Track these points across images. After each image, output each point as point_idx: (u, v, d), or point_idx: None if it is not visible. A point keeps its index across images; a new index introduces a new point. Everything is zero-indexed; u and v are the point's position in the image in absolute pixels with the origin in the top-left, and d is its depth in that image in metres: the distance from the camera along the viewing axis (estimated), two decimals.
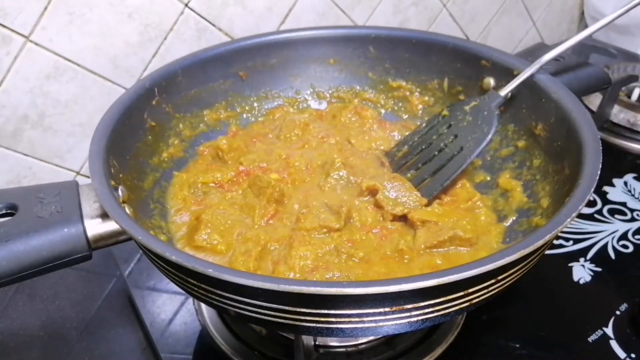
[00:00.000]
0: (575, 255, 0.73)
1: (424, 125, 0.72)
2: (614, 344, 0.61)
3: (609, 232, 0.76)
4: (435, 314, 0.44)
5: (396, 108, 0.79)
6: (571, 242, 0.75)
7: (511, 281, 0.46)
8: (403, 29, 0.82)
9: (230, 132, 0.76)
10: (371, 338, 0.62)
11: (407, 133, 0.74)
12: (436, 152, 0.67)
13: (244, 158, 0.70)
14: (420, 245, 0.57)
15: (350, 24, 0.96)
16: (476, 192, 0.65)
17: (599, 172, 0.49)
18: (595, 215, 0.79)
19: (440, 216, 0.60)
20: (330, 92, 0.81)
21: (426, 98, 0.77)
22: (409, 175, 0.66)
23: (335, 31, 0.79)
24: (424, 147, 0.69)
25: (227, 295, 0.44)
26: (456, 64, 0.73)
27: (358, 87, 0.81)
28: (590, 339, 0.62)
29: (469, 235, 0.58)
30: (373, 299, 0.41)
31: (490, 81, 0.70)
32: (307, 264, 0.54)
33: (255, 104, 0.79)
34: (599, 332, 0.63)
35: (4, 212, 0.50)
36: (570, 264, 0.72)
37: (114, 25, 0.75)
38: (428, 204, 0.62)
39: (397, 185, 0.63)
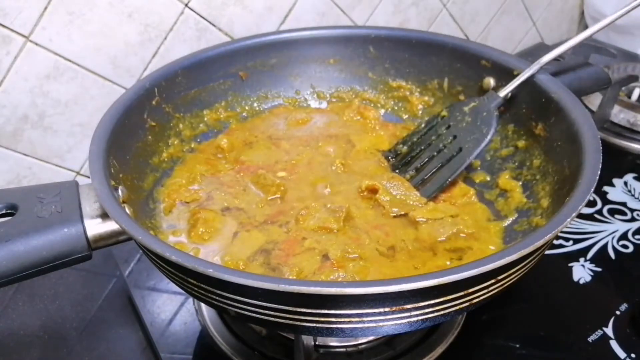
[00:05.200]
0: (575, 255, 0.73)
1: (423, 125, 0.73)
2: (614, 344, 0.61)
3: (609, 232, 0.76)
4: (435, 314, 0.44)
5: (396, 108, 0.79)
6: (571, 242, 0.75)
7: (511, 281, 0.47)
8: (403, 29, 0.82)
9: (230, 130, 0.76)
10: (371, 338, 0.62)
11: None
12: (435, 153, 0.67)
13: (244, 156, 0.70)
14: (422, 244, 0.57)
15: (350, 24, 0.96)
16: (469, 187, 0.65)
17: (599, 172, 0.49)
18: (595, 215, 0.79)
19: (440, 213, 0.60)
20: (330, 92, 0.81)
21: (426, 98, 0.77)
22: (407, 175, 0.67)
23: (335, 31, 0.79)
24: (423, 147, 0.69)
25: (227, 295, 0.44)
26: (456, 64, 0.73)
27: (358, 87, 0.81)
28: (590, 339, 0.62)
29: (471, 230, 0.58)
30: (373, 299, 0.41)
31: (490, 81, 0.70)
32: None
33: (255, 104, 0.79)
34: (599, 332, 0.63)
35: (4, 212, 0.50)
36: (570, 264, 0.72)
37: (114, 25, 0.75)
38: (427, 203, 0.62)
39: (397, 184, 0.63)
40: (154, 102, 0.66)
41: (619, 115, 0.96)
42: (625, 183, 0.85)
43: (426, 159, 0.67)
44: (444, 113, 0.70)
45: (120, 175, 0.56)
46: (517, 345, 0.62)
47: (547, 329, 0.63)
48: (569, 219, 0.45)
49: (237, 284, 0.40)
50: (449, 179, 0.64)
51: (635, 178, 0.86)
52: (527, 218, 0.59)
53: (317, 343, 0.59)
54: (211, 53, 0.73)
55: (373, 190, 0.63)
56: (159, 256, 0.44)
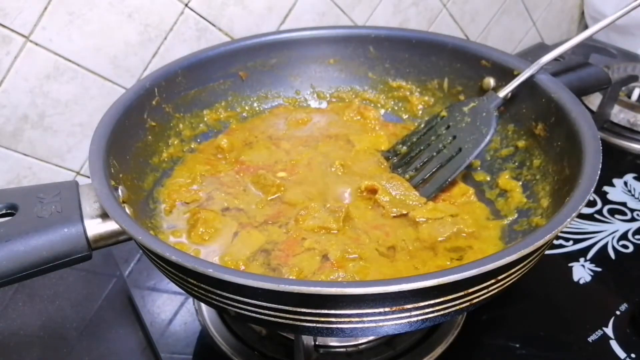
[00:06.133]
0: (575, 255, 0.73)
1: (422, 125, 0.73)
2: (614, 344, 0.61)
3: (609, 232, 0.76)
4: (435, 314, 0.44)
5: (396, 108, 0.79)
6: (571, 242, 0.75)
7: (511, 281, 0.47)
8: (403, 29, 0.82)
9: (230, 130, 0.76)
10: (371, 338, 0.62)
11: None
12: (435, 153, 0.67)
13: (244, 156, 0.70)
14: (422, 244, 0.57)
15: (350, 24, 0.96)
16: (469, 187, 0.65)
17: (599, 172, 0.49)
18: (595, 215, 0.79)
19: (440, 213, 0.60)
20: (330, 92, 0.81)
21: (426, 98, 0.77)
22: (407, 175, 0.67)
23: (335, 31, 0.79)
24: (422, 147, 0.69)
25: (227, 295, 0.44)
26: (456, 64, 0.73)
27: (358, 87, 0.81)
28: (590, 339, 0.62)
29: (471, 229, 0.58)
30: (373, 299, 0.41)
31: (490, 81, 0.70)
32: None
33: (255, 104, 0.79)
34: (599, 332, 0.63)
35: (4, 212, 0.50)
36: (570, 264, 0.72)
37: (114, 25, 0.75)
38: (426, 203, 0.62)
39: (396, 184, 0.63)
40: (154, 102, 0.66)
41: (619, 115, 0.96)
42: (625, 183, 0.85)
43: (426, 159, 0.67)
44: (444, 113, 0.70)
45: (120, 175, 0.56)
46: (517, 345, 0.62)
47: (547, 329, 0.63)
48: (569, 219, 0.45)
49: (237, 284, 0.40)
50: (449, 179, 0.64)
51: (635, 178, 0.86)
52: (527, 218, 0.59)
53: (317, 343, 0.59)
54: (211, 53, 0.73)
55: (372, 191, 0.63)
56: (159, 256, 0.44)
